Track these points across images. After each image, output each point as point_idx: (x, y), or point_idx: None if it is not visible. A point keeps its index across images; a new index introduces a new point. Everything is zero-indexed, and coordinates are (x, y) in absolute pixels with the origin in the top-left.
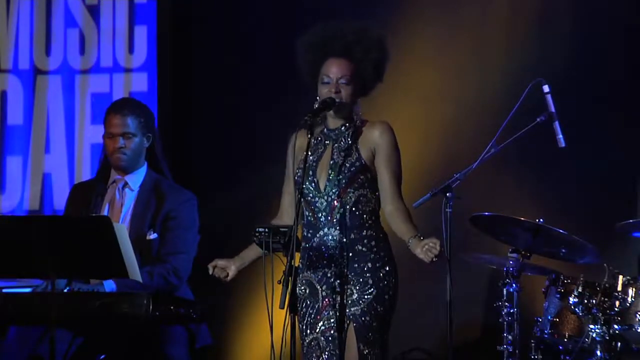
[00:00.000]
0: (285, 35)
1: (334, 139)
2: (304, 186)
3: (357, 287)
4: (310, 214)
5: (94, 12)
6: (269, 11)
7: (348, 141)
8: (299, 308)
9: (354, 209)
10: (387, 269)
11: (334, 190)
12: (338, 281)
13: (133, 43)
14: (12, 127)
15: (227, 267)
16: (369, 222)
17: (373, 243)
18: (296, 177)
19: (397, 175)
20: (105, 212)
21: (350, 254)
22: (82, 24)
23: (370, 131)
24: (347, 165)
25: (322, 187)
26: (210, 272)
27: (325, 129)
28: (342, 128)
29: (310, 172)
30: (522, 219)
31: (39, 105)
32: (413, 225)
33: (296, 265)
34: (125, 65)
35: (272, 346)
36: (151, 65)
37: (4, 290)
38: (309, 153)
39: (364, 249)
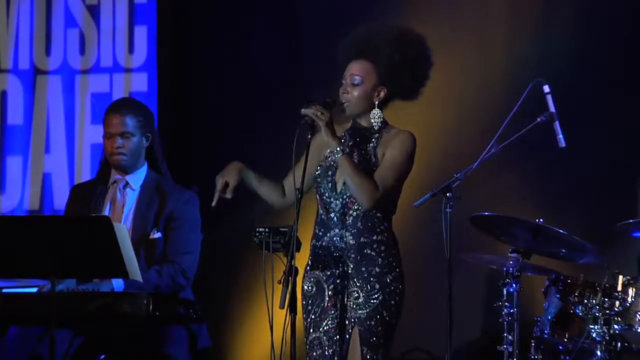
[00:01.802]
0: (285, 35)
1: (357, 141)
2: (321, 186)
3: (364, 291)
4: (323, 212)
5: (94, 12)
6: (268, 11)
7: (370, 147)
8: (304, 305)
9: (367, 213)
10: (394, 275)
11: (348, 193)
12: (344, 282)
13: (133, 43)
14: (12, 127)
15: (230, 178)
16: (381, 227)
17: (382, 248)
18: (316, 174)
19: (393, 171)
20: (106, 212)
21: (359, 257)
22: (82, 24)
23: (392, 138)
24: (367, 170)
25: (338, 188)
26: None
27: (350, 130)
28: (367, 133)
29: (330, 172)
30: (522, 219)
31: (39, 105)
32: (361, 172)
33: (296, 265)
34: (125, 65)
35: (272, 346)
36: (151, 65)
37: (4, 290)
38: (328, 152)
39: (372, 253)
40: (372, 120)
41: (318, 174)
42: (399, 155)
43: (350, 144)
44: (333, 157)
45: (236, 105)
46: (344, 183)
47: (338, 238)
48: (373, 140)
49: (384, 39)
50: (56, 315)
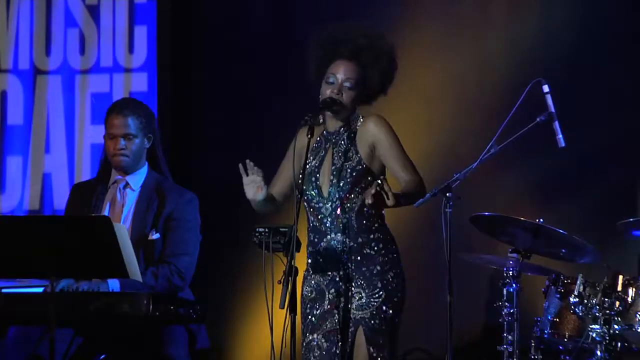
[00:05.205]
0: (285, 35)
1: (334, 142)
2: (308, 192)
3: (366, 291)
4: (315, 219)
5: (94, 12)
6: (269, 11)
7: (347, 144)
8: (303, 308)
9: (359, 212)
10: (395, 271)
11: (337, 196)
12: (346, 285)
13: (133, 43)
14: (12, 127)
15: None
16: (376, 225)
17: (381, 246)
18: (299, 181)
19: (404, 157)
20: (106, 212)
21: (359, 258)
22: (82, 24)
23: (365, 128)
24: (349, 170)
25: (325, 192)
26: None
27: (325, 132)
28: (341, 130)
29: (313, 179)
30: (522, 219)
31: (39, 105)
32: (406, 190)
33: (296, 265)
34: (125, 65)
35: (272, 346)
36: (151, 65)
37: (4, 290)
38: (310, 158)
39: (371, 252)
40: (358, 122)
41: (301, 181)
42: (395, 141)
43: (327, 147)
44: (314, 163)
45: (236, 106)
46: (331, 186)
47: (336, 242)
48: (345, 137)
49: (381, 46)
50: (56, 315)
